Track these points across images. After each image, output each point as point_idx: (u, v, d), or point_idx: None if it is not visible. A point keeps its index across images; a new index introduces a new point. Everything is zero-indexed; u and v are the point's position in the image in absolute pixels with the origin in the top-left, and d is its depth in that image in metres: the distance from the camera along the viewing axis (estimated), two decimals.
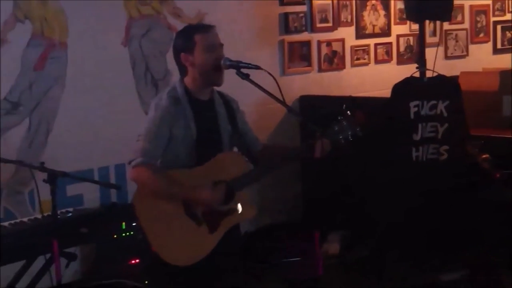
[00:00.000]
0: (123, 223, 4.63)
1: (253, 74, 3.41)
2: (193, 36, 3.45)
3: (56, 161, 4.34)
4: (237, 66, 3.43)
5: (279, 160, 3.56)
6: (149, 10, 5.43)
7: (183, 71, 3.52)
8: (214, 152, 3.51)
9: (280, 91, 3.41)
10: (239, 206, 3.48)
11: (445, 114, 5.12)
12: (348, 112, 3.44)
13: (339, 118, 3.45)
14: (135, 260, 4.73)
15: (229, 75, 3.48)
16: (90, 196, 5.08)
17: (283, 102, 3.44)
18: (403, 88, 5.08)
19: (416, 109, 5.08)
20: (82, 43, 5.06)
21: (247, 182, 3.50)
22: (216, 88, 3.59)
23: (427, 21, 5.91)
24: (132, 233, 4.63)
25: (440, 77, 5.22)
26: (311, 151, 3.43)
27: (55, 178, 3.65)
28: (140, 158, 3.38)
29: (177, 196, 3.39)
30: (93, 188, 5.00)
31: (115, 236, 4.61)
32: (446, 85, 5.26)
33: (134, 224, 4.56)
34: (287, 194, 6.21)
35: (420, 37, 5.38)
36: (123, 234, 4.64)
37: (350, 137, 3.45)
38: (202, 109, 3.51)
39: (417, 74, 5.28)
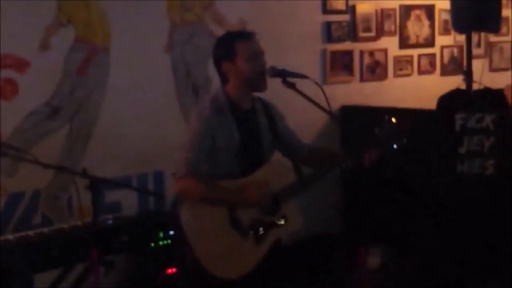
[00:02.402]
0: (161, 232, 4.60)
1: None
2: (235, 44, 3.40)
3: (94, 167, 4.29)
4: (283, 74, 3.39)
5: (325, 165, 3.50)
6: (191, 17, 5.39)
7: (224, 79, 3.47)
8: (256, 160, 3.47)
9: (327, 101, 3.36)
10: (286, 217, 3.44)
11: (492, 128, 5.02)
12: (392, 120, 3.36)
13: (382, 126, 3.38)
14: (172, 269, 4.68)
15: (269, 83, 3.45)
16: (128, 203, 5.05)
17: (329, 112, 3.38)
18: (449, 100, 5.01)
19: (462, 121, 5.00)
20: (124, 48, 5.04)
21: (293, 192, 3.45)
22: (267, 98, 3.57)
23: (472, 33, 5.79)
24: (169, 241, 4.59)
25: (487, 90, 5.13)
26: (358, 160, 3.37)
27: (97, 185, 3.59)
28: (185, 169, 3.33)
29: (224, 202, 3.34)
30: (131, 195, 5.02)
31: (152, 244, 4.58)
32: (493, 98, 5.16)
33: (171, 232, 4.55)
34: (327, 205, 6.10)
35: (467, 48, 5.26)
36: (161, 243, 4.61)
37: (394, 145, 3.36)
38: (245, 117, 3.48)
39: (462, 86, 5.18)
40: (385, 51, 6.52)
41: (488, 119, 5.02)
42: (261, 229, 3.38)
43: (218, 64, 3.45)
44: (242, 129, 3.44)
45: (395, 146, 3.35)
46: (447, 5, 5.52)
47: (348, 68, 6.30)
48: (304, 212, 5.39)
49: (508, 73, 7.24)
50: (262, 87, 3.43)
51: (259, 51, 3.43)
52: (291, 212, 3.46)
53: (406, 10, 6.64)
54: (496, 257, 4.95)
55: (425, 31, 6.78)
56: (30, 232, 4.20)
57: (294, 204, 3.48)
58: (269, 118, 3.56)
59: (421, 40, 6.76)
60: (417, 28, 6.72)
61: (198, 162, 3.34)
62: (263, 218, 3.40)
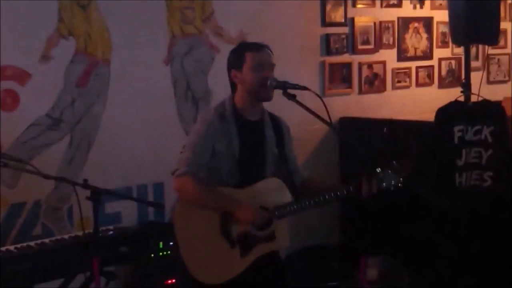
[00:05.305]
0: (161, 243, 4.64)
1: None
2: (244, 54, 3.47)
3: (94, 178, 4.29)
4: (284, 86, 3.42)
5: (321, 196, 3.44)
6: (191, 29, 5.42)
7: (233, 88, 3.54)
8: (257, 173, 3.50)
9: (327, 112, 3.39)
10: (274, 234, 3.44)
11: (490, 140, 5.00)
12: (395, 162, 3.30)
13: (385, 166, 3.31)
14: (171, 280, 4.69)
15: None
16: (128, 213, 5.06)
17: (329, 123, 3.41)
18: (447, 112, 5.01)
19: (460, 134, 4.99)
20: (124, 60, 5.06)
21: (288, 213, 3.45)
22: (268, 110, 3.61)
23: (470, 45, 5.81)
24: (169, 252, 4.62)
25: (485, 102, 5.12)
26: (356, 191, 3.34)
27: (98, 195, 3.60)
28: (184, 168, 3.37)
29: (220, 209, 3.37)
30: (131, 205, 5.03)
31: (152, 255, 4.60)
32: (491, 110, 5.14)
33: (171, 243, 4.56)
34: (324, 215, 6.10)
35: (466, 60, 5.28)
36: (160, 254, 4.64)
37: (392, 187, 3.28)
38: (249, 128, 3.51)
39: (461, 98, 5.20)
40: (383, 63, 6.55)
41: (486, 131, 5.01)
42: (247, 241, 3.40)
43: (228, 72, 3.54)
44: (244, 139, 3.48)
45: (392, 187, 3.27)
46: (445, 17, 5.54)
47: (346, 80, 6.33)
48: (302, 223, 5.42)
49: (506, 85, 7.29)
50: (266, 96, 3.47)
51: (268, 63, 3.48)
52: (280, 230, 3.47)
53: (405, 23, 6.67)
54: (496, 270, 4.94)
55: (423, 43, 6.82)
56: (31, 243, 4.19)
57: (284, 222, 3.48)
58: (277, 133, 3.60)
59: (419, 53, 6.79)
60: (415, 40, 6.76)
61: (198, 163, 3.39)
62: (252, 232, 3.43)
